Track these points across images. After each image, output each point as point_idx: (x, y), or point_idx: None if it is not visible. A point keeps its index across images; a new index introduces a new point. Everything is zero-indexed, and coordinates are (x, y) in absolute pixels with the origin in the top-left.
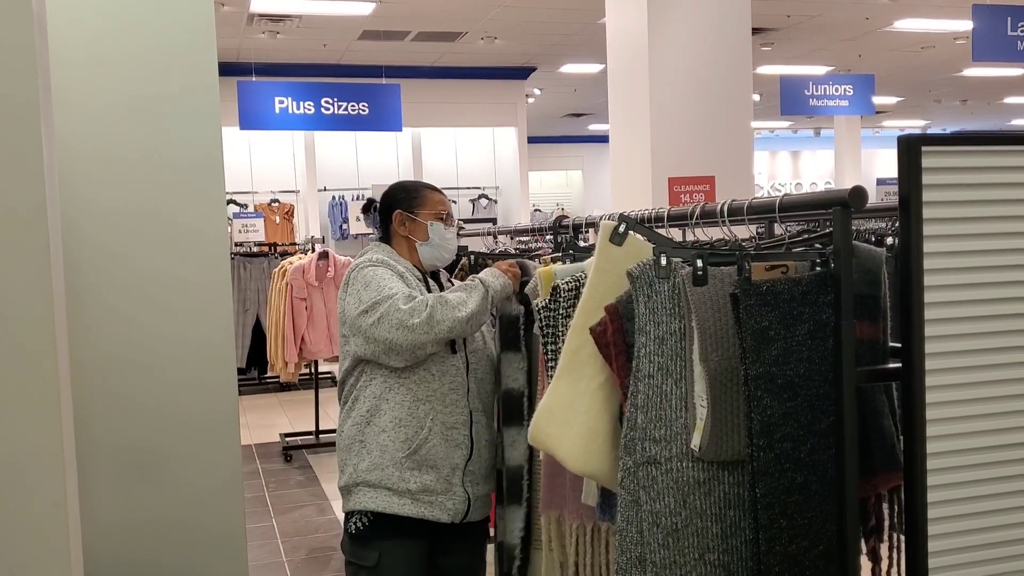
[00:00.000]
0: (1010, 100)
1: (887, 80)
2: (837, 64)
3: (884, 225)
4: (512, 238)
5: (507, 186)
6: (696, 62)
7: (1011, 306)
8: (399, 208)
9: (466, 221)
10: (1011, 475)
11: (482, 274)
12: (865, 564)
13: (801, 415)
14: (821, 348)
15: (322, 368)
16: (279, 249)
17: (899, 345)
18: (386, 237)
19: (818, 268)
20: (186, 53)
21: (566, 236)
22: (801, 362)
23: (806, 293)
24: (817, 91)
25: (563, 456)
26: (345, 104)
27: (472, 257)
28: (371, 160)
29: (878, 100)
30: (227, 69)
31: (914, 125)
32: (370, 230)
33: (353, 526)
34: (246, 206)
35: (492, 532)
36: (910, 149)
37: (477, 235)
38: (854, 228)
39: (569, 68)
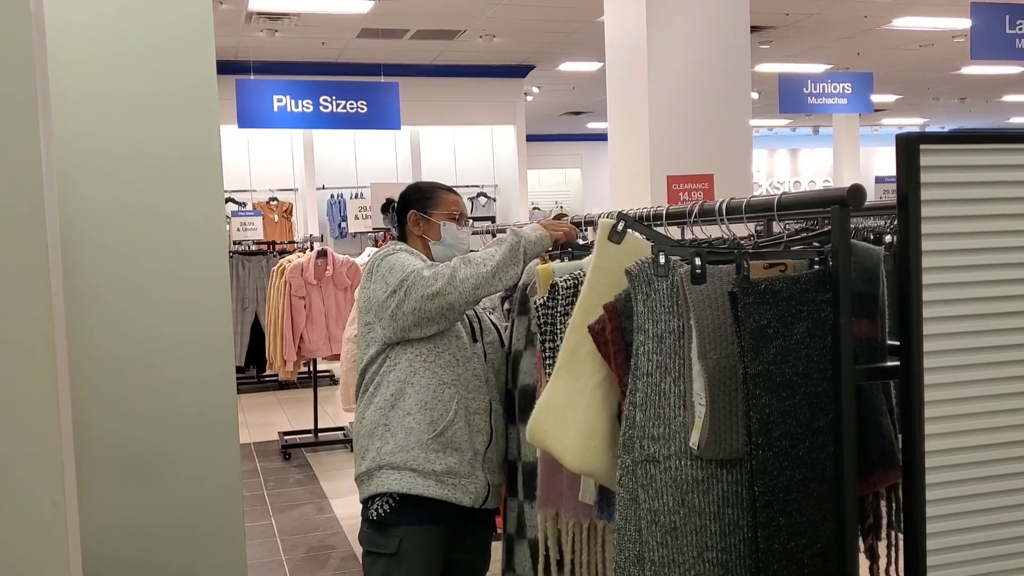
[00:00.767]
0: (1008, 98)
1: (885, 78)
2: (836, 62)
3: (883, 223)
4: None
5: (506, 184)
6: (695, 60)
7: (1009, 304)
8: (413, 208)
9: None
10: (1009, 473)
11: (524, 227)
12: (863, 562)
13: (799, 413)
14: (819, 346)
15: (321, 367)
16: (277, 247)
17: (897, 343)
18: (402, 236)
19: (816, 266)
20: (184, 51)
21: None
22: (799, 360)
23: (804, 291)
24: (816, 89)
25: (561, 454)
26: (343, 102)
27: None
28: (370, 158)
29: (876, 98)
30: (225, 67)
31: (912, 123)
32: (368, 229)
33: (375, 512)
34: (244, 204)
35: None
36: (908, 147)
37: (476, 233)
38: (852, 226)
39: (568, 66)
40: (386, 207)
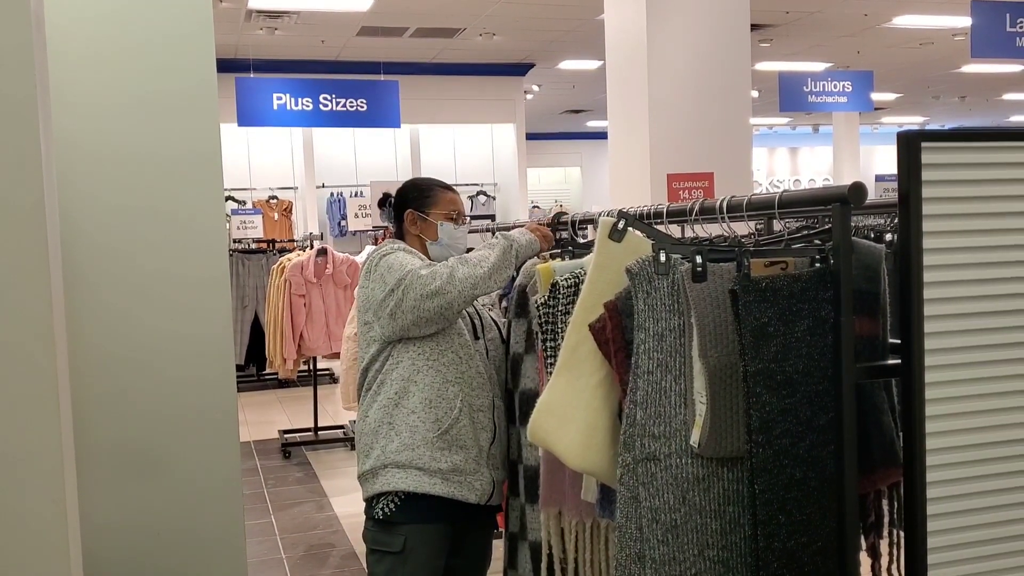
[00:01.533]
0: (1009, 96)
1: (886, 77)
2: (836, 61)
3: (883, 221)
4: None
5: (505, 183)
6: (695, 58)
7: (1011, 302)
8: (411, 207)
9: None
10: (1011, 471)
11: (512, 231)
12: (864, 560)
13: (800, 411)
14: (820, 344)
15: (321, 365)
16: (277, 246)
17: (898, 341)
18: (399, 234)
19: (817, 264)
20: (184, 49)
21: (564, 232)
22: (800, 358)
23: (805, 289)
24: (816, 87)
25: (562, 452)
26: (343, 100)
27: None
28: (369, 157)
29: (877, 97)
30: (225, 65)
31: (912, 121)
32: (368, 228)
33: (380, 511)
34: (244, 203)
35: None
36: (909, 145)
37: (476, 231)
38: (853, 224)
39: (567, 64)
40: (383, 202)
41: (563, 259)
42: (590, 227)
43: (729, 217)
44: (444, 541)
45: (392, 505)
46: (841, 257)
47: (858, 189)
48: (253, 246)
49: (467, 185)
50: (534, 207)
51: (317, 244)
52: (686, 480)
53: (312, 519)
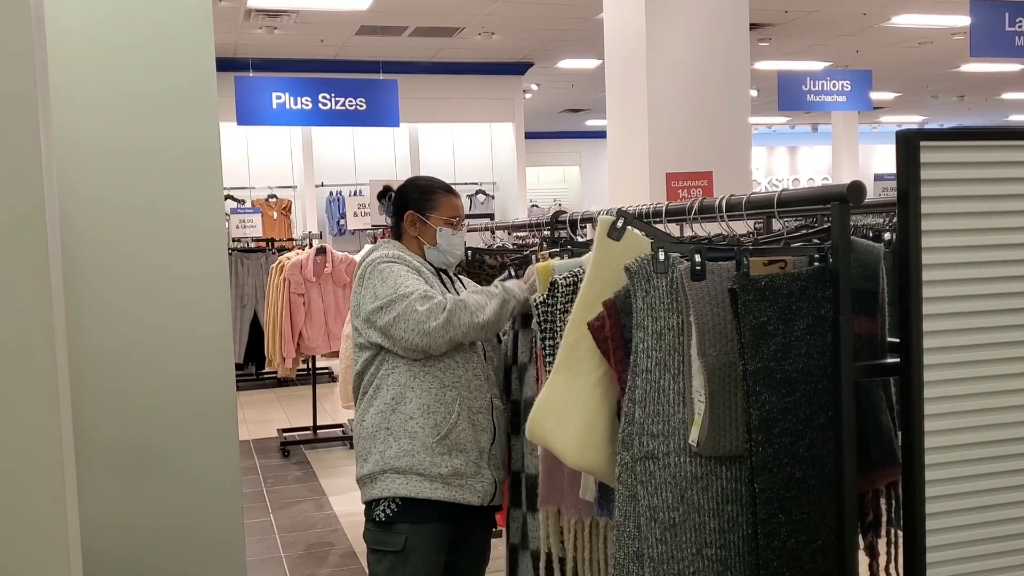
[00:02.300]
0: (1008, 96)
1: (885, 76)
2: (835, 60)
3: (881, 221)
4: (509, 233)
5: (504, 182)
6: (694, 57)
7: (1010, 301)
8: (411, 209)
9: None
10: (1010, 470)
11: (508, 283)
12: (862, 559)
13: (800, 410)
14: (819, 343)
15: (320, 364)
16: (276, 245)
17: (897, 340)
18: (397, 232)
19: (816, 263)
20: (184, 49)
21: (563, 231)
22: (799, 357)
23: (804, 288)
24: (815, 87)
25: (560, 451)
26: (342, 99)
27: (470, 253)
28: (368, 155)
29: (875, 96)
30: (224, 64)
31: (911, 121)
32: (367, 226)
33: (381, 514)
34: (243, 202)
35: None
36: (908, 144)
37: (475, 230)
38: (852, 223)
39: (566, 63)
40: (383, 194)
41: (562, 257)
42: (589, 226)
43: (728, 216)
44: (444, 540)
45: (393, 507)
46: (840, 256)
47: (857, 188)
48: (252, 245)
49: (466, 184)
50: (533, 206)
51: (316, 243)
52: (684, 479)
53: (311, 518)
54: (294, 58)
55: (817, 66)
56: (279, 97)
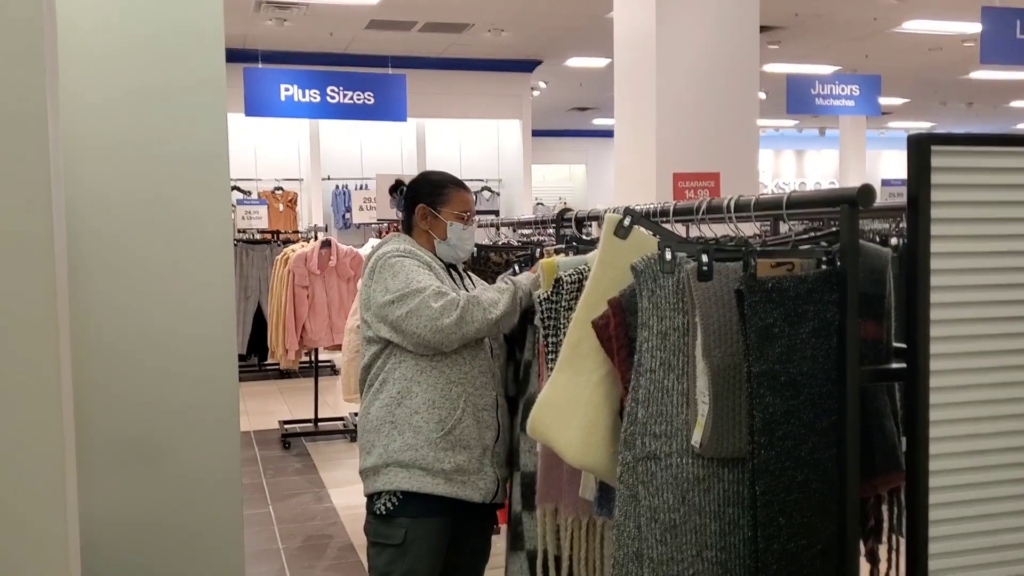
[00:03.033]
0: (1016, 104)
1: (893, 81)
2: (844, 64)
3: (888, 226)
4: (515, 230)
5: (510, 179)
6: (703, 58)
7: (1018, 309)
8: (423, 202)
9: None
10: (1015, 479)
11: (519, 276)
12: (863, 565)
13: (803, 413)
14: (825, 347)
15: (322, 356)
16: (281, 237)
17: (903, 345)
18: (407, 226)
19: (824, 266)
20: (194, 43)
21: (569, 229)
22: (804, 360)
23: (811, 291)
24: (823, 90)
25: (561, 448)
26: (351, 93)
27: (475, 250)
28: (375, 150)
29: (883, 101)
30: (234, 55)
31: (919, 127)
32: (372, 221)
33: (382, 507)
34: (250, 193)
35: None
36: (920, 148)
37: (480, 227)
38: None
39: (575, 62)
40: (395, 188)
41: (567, 255)
42: (594, 224)
43: (736, 217)
44: (444, 535)
45: (395, 500)
46: (848, 259)
47: (867, 191)
48: (257, 236)
49: (472, 180)
50: (538, 204)
51: (321, 236)
52: (686, 480)
53: (310, 510)
54: (303, 51)
55: (826, 70)
56: (287, 89)
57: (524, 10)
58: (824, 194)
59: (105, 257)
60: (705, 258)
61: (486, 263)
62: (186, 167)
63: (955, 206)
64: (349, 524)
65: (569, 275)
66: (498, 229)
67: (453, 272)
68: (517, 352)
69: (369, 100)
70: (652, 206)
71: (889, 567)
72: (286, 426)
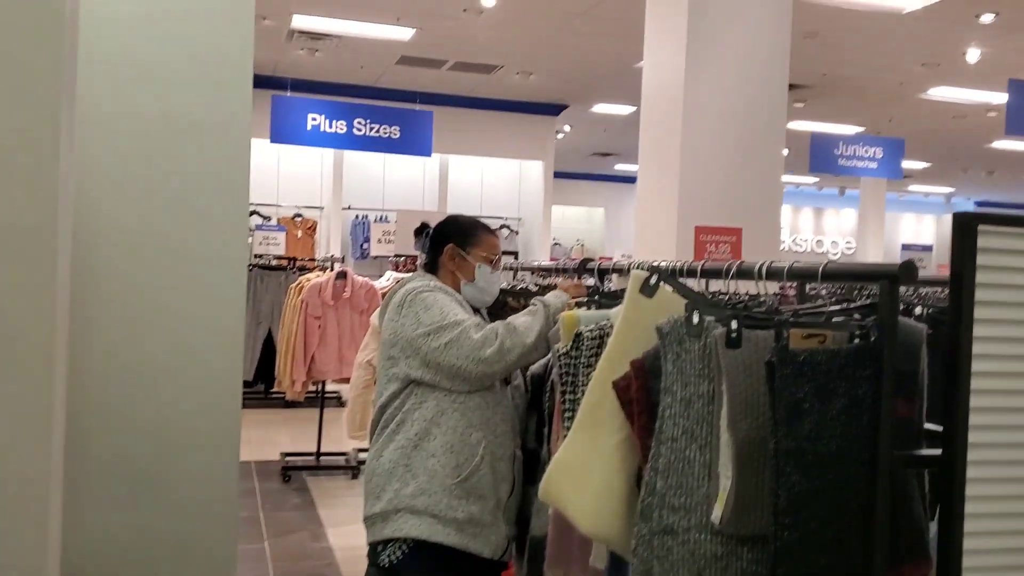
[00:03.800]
0: None
1: (916, 145)
2: (867, 125)
3: (906, 290)
4: (533, 274)
5: (530, 218)
6: (730, 113)
7: None
8: (453, 242)
9: None
10: None
11: (547, 296)
12: None
13: (830, 494)
14: (855, 425)
15: (329, 387)
16: (298, 264)
17: (936, 427)
18: (432, 266)
19: (857, 340)
20: (222, 70)
21: (592, 280)
22: (834, 439)
23: (844, 366)
24: (847, 151)
25: (574, 515)
26: (377, 126)
27: None
28: (397, 183)
29: (905, 164)
30: (262, 82)
31: (939, 191)
32: (390, 254)
33: (387, 558)
34: (270, 218)
35: None
36: (966, 228)
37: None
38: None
39: (601, 108)
40: (420, 230)
41: (588, 308)
42: (615, 275)
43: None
44: None
45: (400, 553)
46: (887, 337)
47: (909, 268)
48: (274, 262)
49: (491, 218)
50: (555, 244)
51: (338, 266)
52: (704, 557)
53: (307, 549)
54: (332, 81)
55: (850, 130)
56: (314, 119)
57: (554, 55)
58: (864, 269)
59: (113, 276)
60: (735, 324)
61: (503, 307)
62: (204, 195)
63: (1000, 289)
64: (345, 566)
65: (590, 331)
66: (516, 273)
67: (478, 315)
68: (544, 399)
69: (395, 134)
70: (679, 263)
71: None
72: (287, 458)
